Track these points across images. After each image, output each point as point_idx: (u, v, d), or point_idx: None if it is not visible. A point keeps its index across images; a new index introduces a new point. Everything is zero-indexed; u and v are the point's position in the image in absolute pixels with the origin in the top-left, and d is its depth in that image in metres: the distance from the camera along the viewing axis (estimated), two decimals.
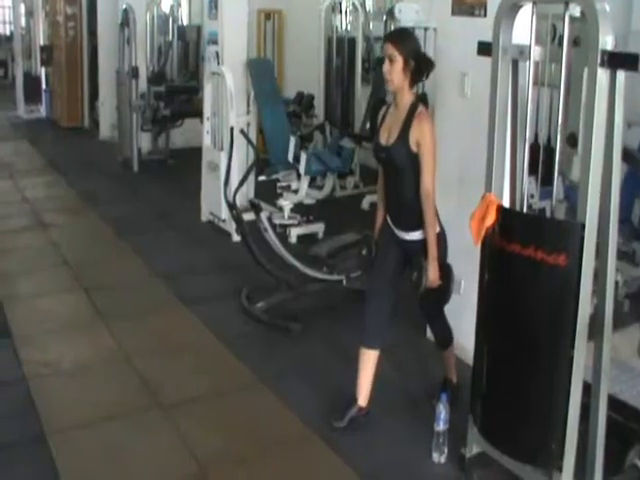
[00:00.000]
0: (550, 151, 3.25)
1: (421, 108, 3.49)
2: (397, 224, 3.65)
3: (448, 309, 4.11)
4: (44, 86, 13.85)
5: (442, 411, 3.49)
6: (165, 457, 3.58)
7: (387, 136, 3.55)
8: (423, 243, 3.51)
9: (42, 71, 13.84)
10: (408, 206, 3.54)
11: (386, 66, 3.46)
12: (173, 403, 4.03)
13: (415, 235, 3.57)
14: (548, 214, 3.41)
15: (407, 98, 3.51)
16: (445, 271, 3.57)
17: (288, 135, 7.03)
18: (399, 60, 3.42)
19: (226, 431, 3.80)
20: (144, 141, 10.07)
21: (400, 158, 3.48)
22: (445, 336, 3.96)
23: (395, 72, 3.44)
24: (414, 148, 3.43)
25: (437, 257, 3.48)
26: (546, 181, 3.20)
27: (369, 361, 3.74)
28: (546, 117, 4.28)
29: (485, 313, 3.23)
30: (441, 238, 3.56)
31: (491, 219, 3.04)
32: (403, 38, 3.51)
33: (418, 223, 3.52)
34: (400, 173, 3.53)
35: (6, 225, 7.36)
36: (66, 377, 4.33)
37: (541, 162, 3.22)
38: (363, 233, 4.02)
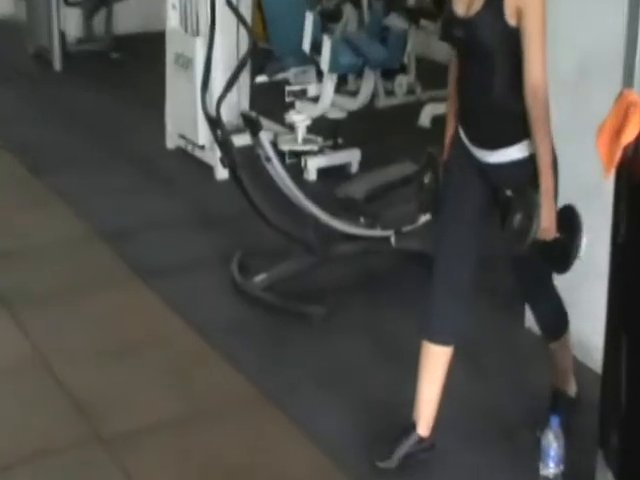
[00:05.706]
0: None
1: None
2: (477, 140, 3.63)
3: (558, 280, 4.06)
4: None
5: (552, 444, 3.49)
6: None
7: (467, 3, 3.51)
8: (523, 168, 3.48)
9: None
10: (498, 110, 3.54)
11: None
12: (119, 434, 4.08)
13: (508, 154, 3.54)
14: None
15: None
16: (567, 216, 3.51)
17: (302, 10, 6.98)
18: None
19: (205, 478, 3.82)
20: (71, 22, 10.17)
21: (489, 36, 3.46)
22: (556, 321, 3.98)
23: None
24: (512, 20, 3.39)
25: (553, 191, 3.45)
26: None
27: (436, 364, 3.75)
28: None
29: (621, 288, 3.17)
30: (554, 163, 3.51)
31: (633, 133, 2.95)
32: None
33: (513, 136, 3.50)
34: (487, 60, 3.51)
35: None
36: None
37: None
38: (425, 152, 3.98)
